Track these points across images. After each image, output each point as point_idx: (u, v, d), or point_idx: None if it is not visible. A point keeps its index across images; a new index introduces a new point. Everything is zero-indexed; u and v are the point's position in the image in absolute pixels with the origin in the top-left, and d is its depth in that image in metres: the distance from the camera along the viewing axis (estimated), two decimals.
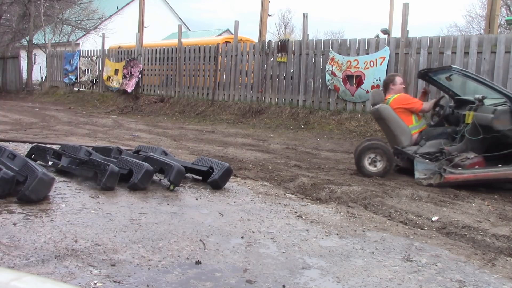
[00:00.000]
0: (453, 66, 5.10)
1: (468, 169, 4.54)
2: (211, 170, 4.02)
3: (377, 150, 4.95)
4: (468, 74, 4.94)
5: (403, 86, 5.54)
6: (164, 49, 13.61)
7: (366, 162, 4.96)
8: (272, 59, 10.80)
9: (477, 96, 4.79)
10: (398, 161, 5.17)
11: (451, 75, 5.09)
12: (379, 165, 4.91)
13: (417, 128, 5.26)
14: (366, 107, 9.04)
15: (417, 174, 4.79)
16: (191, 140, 7.60)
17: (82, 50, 17.11)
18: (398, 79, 5.48)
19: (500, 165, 4.50)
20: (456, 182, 4.48)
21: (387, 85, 5.52)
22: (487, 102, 4.72)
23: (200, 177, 4.23)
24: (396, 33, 13.35)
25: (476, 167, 4.52)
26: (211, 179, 3.94)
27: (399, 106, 5.22)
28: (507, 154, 4.51)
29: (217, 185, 3.94)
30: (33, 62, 21.72)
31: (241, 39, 12.41)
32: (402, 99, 5.30)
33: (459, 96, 5.45)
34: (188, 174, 4.27)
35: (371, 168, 4.93)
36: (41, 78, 23.01)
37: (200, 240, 2.68)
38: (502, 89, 4.66)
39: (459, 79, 5.22)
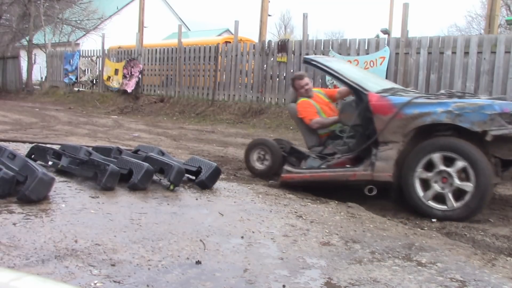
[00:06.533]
0: (305, 57, 4.48)
1: (306, 169, 4.13)
2: (200, 170, 3.99)
3: (263, 146, 4.74)
4: (316, 64, 4.32)
5: (306, 88, 4.80)
6: (164, 49, 13.61)
7: (254, 158, 4.81)
8: (272, 59, 10.80)
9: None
10: (295, 161, 4.73)
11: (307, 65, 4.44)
12: (266, 163, 4.75)
13: (327, 130, 4.65)
14: None
15: None
16: (191, 140, 7.60)
17: (82, 50, 17.10)
18: (297, 83, 4.82)
19: (347, 166, 4.03)
20: (293, 182, 4.12)
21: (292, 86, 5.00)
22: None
23: (194, 177, 4.20)
24: (396, 33, 13.38)
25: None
26: (199, 179, 3.92)
27: (298, 111, 4.75)
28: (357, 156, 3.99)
29: (205, 186, 3.91)
30: (33, 62, 21.69)
31: (241, 39, 12.40)
32: (299, 105, 4.73)
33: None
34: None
35: (258, 165, 4.83)
36: (41, 78, 22.96)
37: (200, 240, 2.68)
38: (348, 79, 4.03)
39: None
